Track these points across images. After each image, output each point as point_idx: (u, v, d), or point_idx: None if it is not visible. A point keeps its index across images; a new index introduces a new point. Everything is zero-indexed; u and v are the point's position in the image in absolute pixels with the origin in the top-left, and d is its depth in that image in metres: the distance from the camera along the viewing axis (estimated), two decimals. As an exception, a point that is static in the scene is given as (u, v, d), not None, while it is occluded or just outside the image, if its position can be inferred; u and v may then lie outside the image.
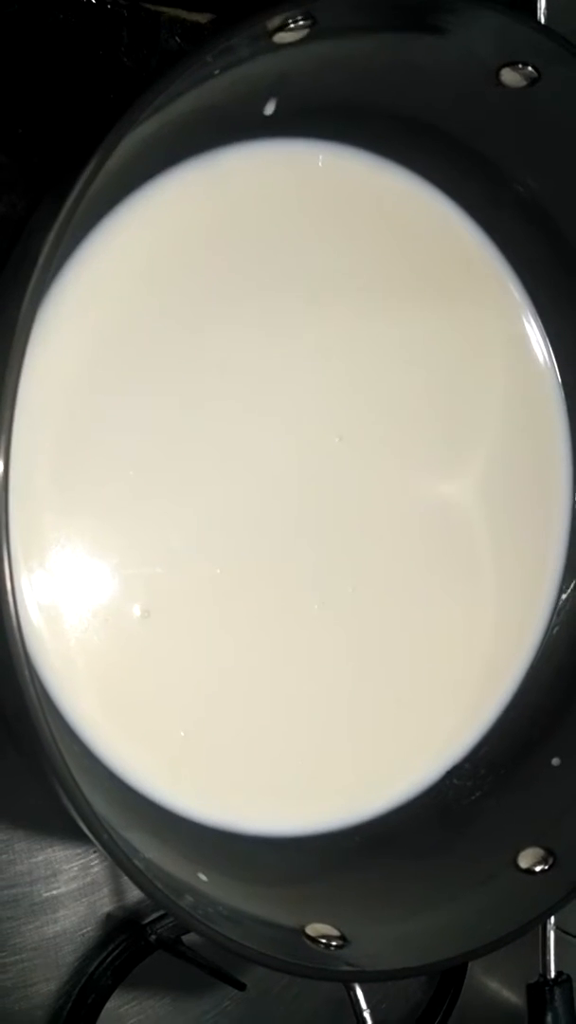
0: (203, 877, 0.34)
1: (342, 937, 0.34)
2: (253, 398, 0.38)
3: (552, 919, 0.39)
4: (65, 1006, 0.40)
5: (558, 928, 0.40)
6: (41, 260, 0.27)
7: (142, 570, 0.36)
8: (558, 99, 0.35)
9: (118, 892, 0.41)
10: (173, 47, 0.40)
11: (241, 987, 0.41)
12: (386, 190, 0.39)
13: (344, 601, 0.40)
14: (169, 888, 0.30)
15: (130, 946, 0.41)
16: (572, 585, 0.44)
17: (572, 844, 0.38)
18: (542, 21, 0.36)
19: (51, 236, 0.27)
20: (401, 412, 0.40)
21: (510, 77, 0.35)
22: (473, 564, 0.42)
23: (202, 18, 0.40)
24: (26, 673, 0.26)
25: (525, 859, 0.39)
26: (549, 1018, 0.40)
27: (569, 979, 0.41)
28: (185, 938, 0.41)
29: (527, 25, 0.33)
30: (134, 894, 0.41)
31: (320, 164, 0.38)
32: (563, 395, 0.43)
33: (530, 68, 0.34)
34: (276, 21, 0.29)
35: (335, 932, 0.34)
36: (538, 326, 0.43)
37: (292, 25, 0.29)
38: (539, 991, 0.40)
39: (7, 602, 0.26)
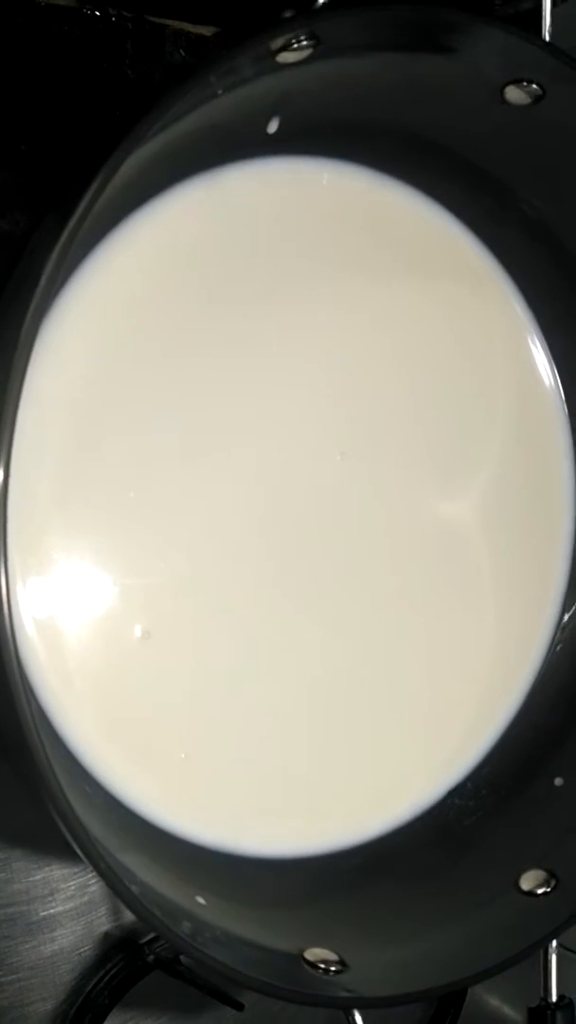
0: (201, 900, 0.33)
1: (341, 962, 0.34)
2: (255, 416, 0.38)
3: (554, 942, 0.39)
4: (62, 1026, 0.40)
5: (562, 947, 0.40)
6: (43, 280, 0.26)
7: (143, 591, 0.36)
8: (563, 117, 0.35)
9: (116, 911, 0.41)
10: (177, 60, 0.40)
11: (239, 1007, 0.41)
12: (390, 207, 0.39)
13: (345, 619, 0.39)
14: (166, 913, 0.30)
15: (128, 966, 0.40)
16: (575, 606, 0.44)
17: (574, 867, 0.38)
18: (547, 39, 0.36)
19: (54, 256, 0.26)
20: (404, 430, 0.40)
21: (515, 95, 0.35)
22: (475, 583, 0.42)
23: (207, 31, 0.40)
24: (23, 694, 0.26)
25: (527, 881, 0.38)
26: (551, 1042, 0.40)
27: (571, 1003, 0.40)
28: (183, 958, 0.41)
29: (532, 43, 0.33)
30: (132, 914, 0.40)
31: (324, 182, 0.38)
32: (567, 415, 0.43)
33: (535, 86, 0.34)
34: (280, 41, 0.29)
35: (334, 957, 0.34)
36: (543, 345, 0.42)
37: (296, 45, 0.29)
38: (540, 1015, 0.40)
39: (4, 622, 0.26)
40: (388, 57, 0.33)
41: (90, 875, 0.40)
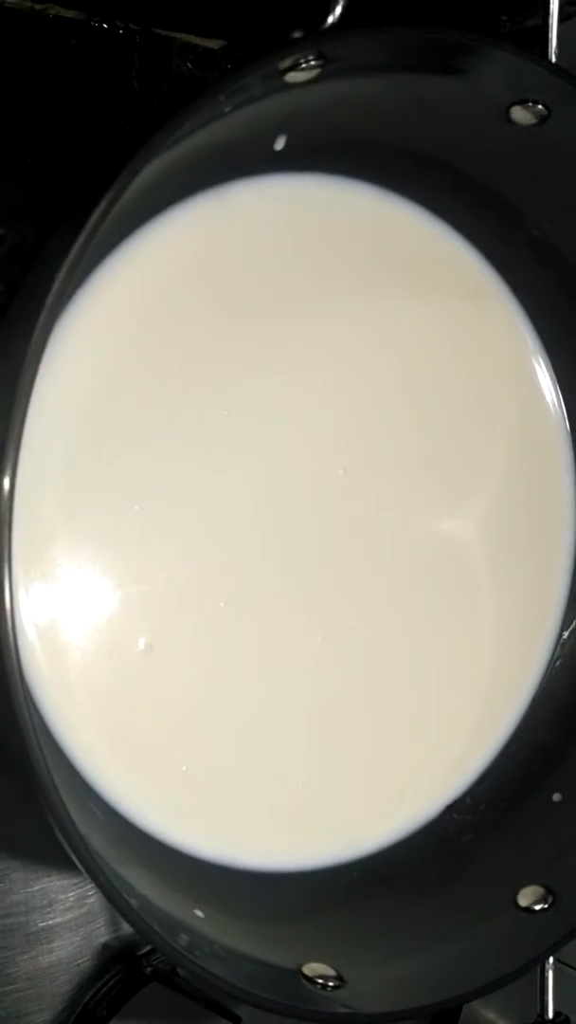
0: (199, 913, 0.33)
1: (339, 977, 0.34)
2: (259, 430, 0.38)
3: (551, 958, 0.39)
4: (59, 1037, 0.40)
5: (559, 962, 0.40)
6: (53, 293, 0.27)
7: (147, 604, 0.36)
8: (568, 137, 0.35)
9: (114, 923, 0.41)
10: (184, 73, 0.40)
11: (236, 1020, 0.41)
12: (396, 225, 0.39)
13: (347, 634, 0.39)
14: (164, 926, 0.30)
15: (125, 977, 0.40)
16: (575, 623, 0.44)
17: (572, 883, 0.38)
18: (553, 59, 0.36)
19: (64, 269, 0.27)
20: (406, 447, 0.40)
21: (520, 115, 0.35)
22: (476, 599, 0.42)
23: (214, 44, 0.41)
24: (24, 705, 0.26)
25: (525, 897, 0.38)
26: (547, 1059, 0.40)
27: (568, 1019, 0.40)
28: (180, 970, 0.41)
29: (538, 64, 0.33)
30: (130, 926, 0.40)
31: (330, 199, 0.38)
32: (569, 432, 0.43)
33: (540, 106, 0.34)
34: (288, 61, 0.29)
35: (332, 972, 0.34)
36: (546, 364, 0.43)
37: (304, 65, 0.29)
38: (537, 1031, 0.40)
39: (7, 633, 0.26)
40: (395, 77, 0.33)
41: (89, 886, 0.40)
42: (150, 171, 0.28)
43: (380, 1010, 0.34)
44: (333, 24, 0.30)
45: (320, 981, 0.33)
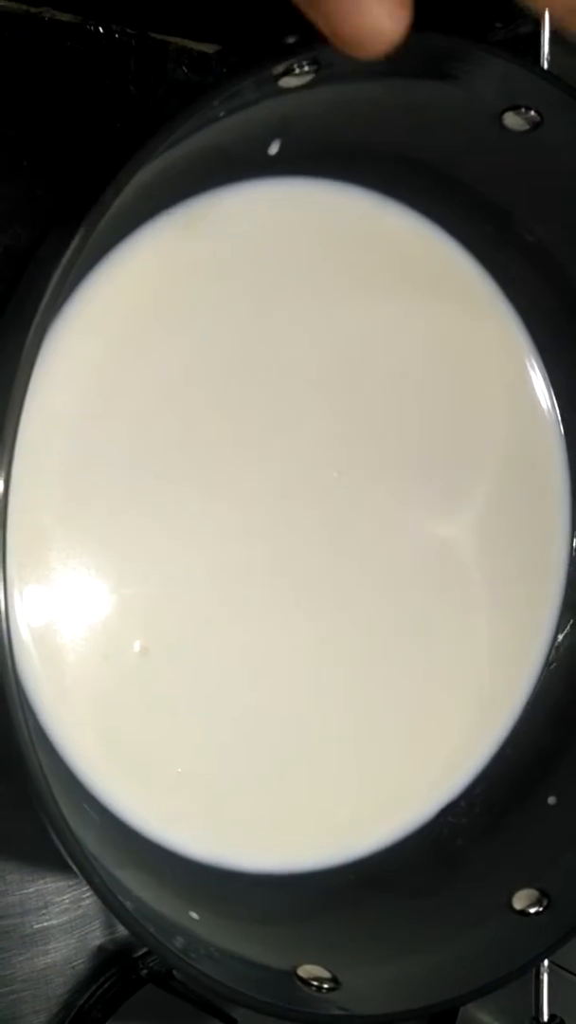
0: (195, 916, 0.33)
1: (334, 979, 0.34)
2: (253, 433, 0.38)
3: (546, 961, 0.39)
4: (55, 1039, 0.40)
5: (555, 964, 0.40)
6: (47, 296, 0.27)
7: (142, 606, 0.36)
8: (561, 143, 0.35)
9: (109, 925, 0.40)
10: (180, 77, 0.40)
11: (231, 1022, 0.41)
12: (389, 230, 0.39)
13: (341, 637, 0.40)
14: (159, 928, 0.30)
15: (121, 979, 0.40)
16: (569, 624, 0.44)
17: (567, 886, 0.38)
18: (545, 66, 0.36)
19: (57, 272, 0.27)
20: (400, 450, 0.40)
21: (513, 121, 0.35)
22: (470, 602, 0.42)
23: (209, 49, 0.41)
24: (19, 708, 0.26)
25: (519, 900, 0.38)
26: (542, 1062, 0.40)
27: (563, 1022, 0.40)
28: (176, 972, 0.41)
29: (531, 71, 0.33)
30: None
31: (324, 204, 0.38)
32: (563, 437, 0.43)
33: (533, 112, 0.34)
34: (282, 67, 0.29)
35: (327, 974, 0.34)
36: (540, 369, 0.43)
37: (298, 70, 0.29)
38: (532, 1034, 0.40)
39: (2, 637, 0.26)
40: (389, 83, 0.33)
41: (84, 888, 0.40)
42: (144, 175, 0.28)
43: (375, 1012, 0.34)
44: (327, 29, 0.30)
45: (315, 983, 0.34)
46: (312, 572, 0.39)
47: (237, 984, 0.31)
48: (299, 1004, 0.33)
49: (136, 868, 0.33)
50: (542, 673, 0.44)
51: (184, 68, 0.40)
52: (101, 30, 0.39)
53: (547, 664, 0.44)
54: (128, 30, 0.39)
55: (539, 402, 0.43)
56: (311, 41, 0.28)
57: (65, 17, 0.38)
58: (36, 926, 0.39)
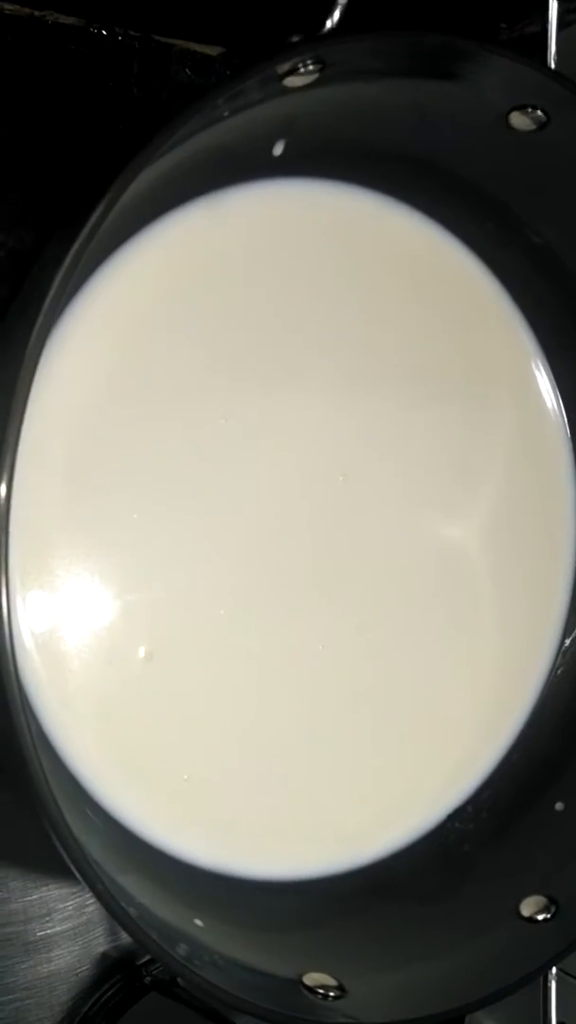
0: (199, 923, 0.33)
1: (340, 987, 0.33)
2: (258, 436, 0.38)
3: (554, 969, 0.39)
4: (58, 1047, 0.39)
5: (562, 972, 0.40)
6: (50, 297, 0.27)
7: (146, 612, 0.36)
8: (567, 143, 0.35)
9: (113, 932, 0.40)
10: (184, 79, 0.40)
11: (236, 1031, 0.41)
12: (394, 230, 0.39)
13: (347, 642, 0.39)
14: (163, 936, 0.30)
15: (124, 987, 0.40)
16: (576, 630, 0.44)
17: (575, 893, 0.38)
18: (552, 66, 0.36)
19: (60, 273, 0.27)
20: (406, 453, 0.40)
21: (519, 121, 0.35)
22: (476, 606, 0.42)
23: (213, 51, 0.41)
24: (22, 714, 0.26)
25: (527, 907, 0.38)
26: (550, 1070, 0.39)
27: (571, 1030, 0.40)
28: (180, 980, 0.40)
29: (537, 70, 0.33)
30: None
31: (329, 204, 0.38)
32: (569, 439, 0.43)
33: (539, 112, 0.34)
34: (286, 66, 0.29)
35: (333, 982, 0.34)
36: (546, 369, 0.43)
37: (302, 70, 0.29)
38: (540, 1042, 0.40)
39: (4, 642, 0.26)
40: (394, 82, 0.33)
41: (88, 895, 0.40)
42: (147, 176, 0.28)
43: (381, 1020, 0.33)
44: (332, 29, 0.30)
45: (321, 991, 0.33)
46: (318, 577, 0.39)
47: (242, 992, 0.30)
48: (305, 1012, 0.32)
49: (139, 874, 0.33)
50: (549, 678, 0.43)
51: (188, 70, 0.41)
52: (104, 33, 0.39)
53: (554, 669, 0.43)
54: (131, 33, 0.39)
55: (544, 402, 0.43)
56: (316, 40, 0.28)
57: (68, 20, 0.38)
58: (39, 933, 0.39)
